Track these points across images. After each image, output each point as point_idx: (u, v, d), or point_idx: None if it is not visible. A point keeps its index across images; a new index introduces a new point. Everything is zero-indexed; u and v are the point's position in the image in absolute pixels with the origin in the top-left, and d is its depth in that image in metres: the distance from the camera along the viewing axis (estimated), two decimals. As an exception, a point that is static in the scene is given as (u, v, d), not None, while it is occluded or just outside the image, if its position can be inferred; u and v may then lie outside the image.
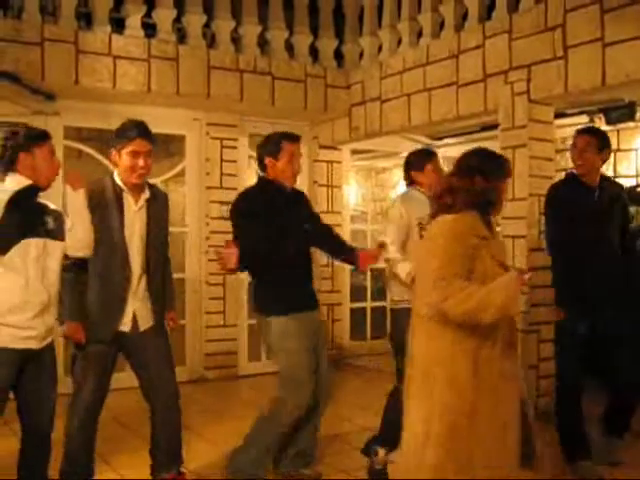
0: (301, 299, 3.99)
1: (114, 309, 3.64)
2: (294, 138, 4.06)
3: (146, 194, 3.73)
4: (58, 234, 3.29)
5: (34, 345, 3.18)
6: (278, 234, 3.83)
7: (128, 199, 3.67)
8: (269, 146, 4.03)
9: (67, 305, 3.57)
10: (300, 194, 4.28)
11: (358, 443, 4.34)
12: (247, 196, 4.09)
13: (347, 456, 4.50)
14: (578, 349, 4.16)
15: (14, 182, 3.14)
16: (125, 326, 3.66)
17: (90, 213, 3.49)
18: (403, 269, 3.98)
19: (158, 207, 3.80)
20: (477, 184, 2.84)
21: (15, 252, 3.09)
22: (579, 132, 4.31)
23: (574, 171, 4.32)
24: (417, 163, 4.30)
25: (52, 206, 3.36)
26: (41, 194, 3.31)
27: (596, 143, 4.18)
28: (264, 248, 3.78)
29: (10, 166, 3.16)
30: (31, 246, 3.14)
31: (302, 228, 4.03)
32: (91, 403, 3.68)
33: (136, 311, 3.69)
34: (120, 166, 3.65)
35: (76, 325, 3.58)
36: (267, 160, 4.00)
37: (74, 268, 3.56)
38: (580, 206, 4.17)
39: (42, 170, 3.22)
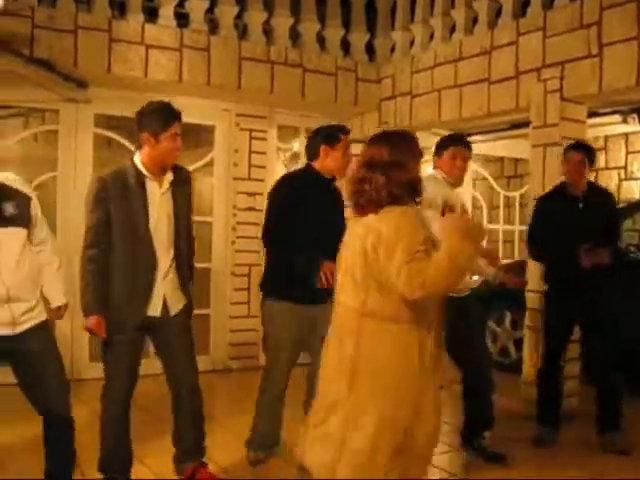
0: (298, 291, 3.90)
1: (140, 297, 3.58)
2: (348, 131, 4.14)
3: (170, 177, 3.66)
4: (17, 220, 3.20)
5: (5, 331, 3.15)
6: (298, 224, 3.87)
7: (151, 185, 3.60)
8: (327, 135, 4.07)
9: (88, 298, 3.52)
10: (338, 191, 4.21)
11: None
12: (285, 179, 4.21)
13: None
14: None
15: None
16: (155, 311, 3.62)
17: (111, 203, 3.50)
18: None
19: (183, 187, 3.74)
20: (402, 176, 2.84)
21: None
22: (573, 148, 4.80)
23: (564, 181, 4.81)
24: (437, 147, 4.48)
25: (21, 189, 3.28)
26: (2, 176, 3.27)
27: (588, 158, 4.73)
28: (272, 235, 3.99)
29: None
30: None
31: (330, 222, 3.93)
32: (123, 393, 3.63)
33: (167, 295, 3.64)
34: (154, 149, 3.55)
35: (97, 319, 3.49)
36: (322, 147, 4.02)
37: (100, 258, 3.52)
38: (565, 215, 4.68)
39: None
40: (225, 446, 4.48)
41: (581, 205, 4.72)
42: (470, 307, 4.38)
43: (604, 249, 4.50)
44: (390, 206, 2.80)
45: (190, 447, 3.86)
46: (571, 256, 4.52)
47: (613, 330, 4.68)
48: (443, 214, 4.20)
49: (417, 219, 2.81)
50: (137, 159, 3.61)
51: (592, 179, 5.43)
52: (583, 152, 4.73)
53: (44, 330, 3.32)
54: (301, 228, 3.88)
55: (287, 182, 4.15)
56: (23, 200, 3.27)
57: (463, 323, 4.24)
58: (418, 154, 2.99)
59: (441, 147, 4.43)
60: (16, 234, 3.20)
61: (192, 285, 3.91)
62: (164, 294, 3.64)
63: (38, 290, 3.34)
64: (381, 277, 2.74)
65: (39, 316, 3.30)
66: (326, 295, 3.81)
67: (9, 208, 3.17)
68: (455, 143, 4.41)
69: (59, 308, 3.53)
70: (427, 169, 4.57)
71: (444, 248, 2.63)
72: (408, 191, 2.86)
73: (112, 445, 3.68)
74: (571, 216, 4.67)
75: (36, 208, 3.35)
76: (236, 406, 5.39)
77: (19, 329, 3.20)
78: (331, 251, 3.66)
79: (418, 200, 2.94)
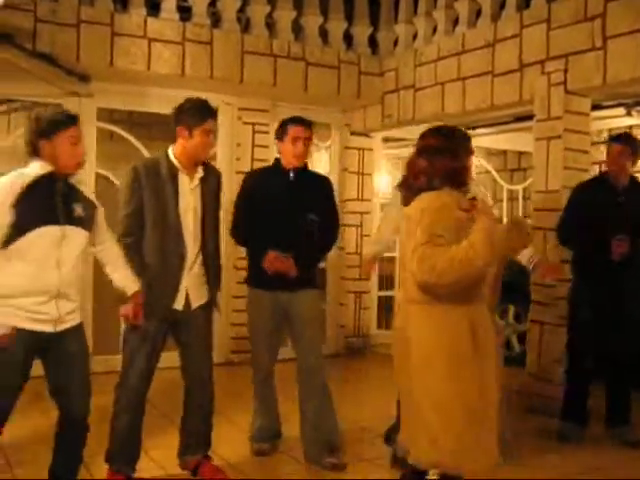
0: (265, 278, 4.10)
1: (168, 287, 3.67)
2: (299, 121, 4.23)
3: (200, 173, 3.76)
4: (84, 222, 3.23)
5: (47, 328, 3.13)
6: (259, 217, 4.12)
7: (183, 178, 3.71)
8: (277, 130, 4.31)
9: None
10: (317, 180, 4.38)
11: (382, 431, 4.33)
12: (248, 175, 4.56)
13: (370, 444, 4.50)
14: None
15: (36, 168, 3.11)
16: (178, 304, 3.70)
17: (144, 192, 3.62)
18: None
19: (211, 185, 3.84)
20: (446, 163, 2.88)
21: (27, 239, 3.03)
22: (614, 140, 4.79)
23: (606, 172, 4.80)
24: None
25: (87, 194, 3.33)
26: (75, 179, 3.26)
27: (630, 151, 4.66)
28: (237, 229, 4.30)
29: (33, 153, 3.14)
30: (45, 234, 3.07)
31: (295, 211, 4.11)
32: (139, 382, 3.69)
33: (189, 289, 3.72)
34: (188, 143, 3.67)
35: (136, 306, 3.56)
36: (275, 142, 4.35)
37: (134, 246, 3.64)
38: (603, 206, 4.57)
39: (62, 158, 3.14)
40: (229, 440, 4.48)
41: (620, 199, 4.63)
42: None
43: (622, 239, 4.41)
44: (427, 192, 2.86)
45: (195, 441, 3.89)
46: (603, 245, 4.44)
47: (634, 327, 4.62)
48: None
49: (452, 204, 2.82)
50: (171, 152, 3.73)
51: (589, 173, 5.38)
52: (624, 143, 4.68)
53: (81, 332, 3.33)
54: (262, 221, 4.11)
55: (247, 179, 4.45)
56: (90, 206, 3.31)
57: None
58: (466, 145, 3.04)
59: None
60: (80, 234, 3.22)
61: (219, 281, 4.00)
62: (187, 287, 3.71)
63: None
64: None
65: (78, 317, 3.30)
66: (298, 282, 4.11)
67: (78, 209, 3.20)
68: None
69: (136, 296, 3.54)
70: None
71: (465, 244, 2.67)
72: (448, 178, 2.88)
73: (121, 436, 3.70)
74: (608, 208, 4.57)
75: (101, 216, 3.41)
76: (239, 399, 5.39)
77: (60, 327, 3.17)
78: (292, 239, 4.04)
79: (463, 190, 2.96)
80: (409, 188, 2.95)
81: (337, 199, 4.63)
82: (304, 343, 4.16)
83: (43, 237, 3.07)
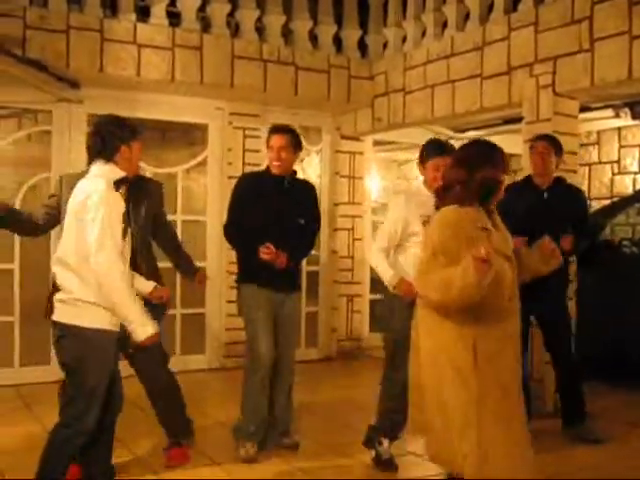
0: (264, 277, 4.27)
1: None
2: (273, 129, 4.56)
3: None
4: None
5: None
6: (250, 217, 4.34)
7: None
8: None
9: None
10: (304, 187, 4.65)
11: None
12: (239, 179, 4.82)
13: (360, 446, 4.48)
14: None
15: (112, 173, 3.26)
16: None
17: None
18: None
19: (143, 195, 4.06)
20: (477, 176, 2.88)
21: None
22: (538, 138, 4.84)
23: (530, 174, 4.86)
24: (420, 156, 4.18)
25: None
26: None
27: (553, 149, 4.73)
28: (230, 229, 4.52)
29: (111, 157, 3.28)
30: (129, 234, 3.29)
31: (284, 215, 4.33)
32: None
33: None
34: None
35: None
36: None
37: None
38: (528, 205, 4.62)
39: (134, 163, 3.40)
40: (221, 442, 4.49)
41: (546, 195, 4.73)
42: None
43: (568, 235, 4.45)
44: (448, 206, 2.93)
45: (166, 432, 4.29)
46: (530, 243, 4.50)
47: (566, 328, 4.79)
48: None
49: (469, 221, 2.83)
50: None
51: (578, 174, 5.41)
52: (546, 141, 4.76)
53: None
54: (254, 221, 4.31)
55: (238, 181, 4.76)
56: None
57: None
58: (502, 163, 2.98)
59: (425, 157, 4.11)
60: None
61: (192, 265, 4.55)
62: None
63: None
64: None
65: None
66: (291, 285, 4.44)
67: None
68: (439, 153, 4.01)
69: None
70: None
71: (455, 270, 2.68)
72: (483, 191, 2.92)
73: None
74: (535, 206, 4.65)
75: None
76: (231, 404, 5.36)
77: None
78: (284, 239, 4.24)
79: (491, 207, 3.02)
80: (441, 198, 2.99)
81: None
82: (287, 340, 4.48)
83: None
